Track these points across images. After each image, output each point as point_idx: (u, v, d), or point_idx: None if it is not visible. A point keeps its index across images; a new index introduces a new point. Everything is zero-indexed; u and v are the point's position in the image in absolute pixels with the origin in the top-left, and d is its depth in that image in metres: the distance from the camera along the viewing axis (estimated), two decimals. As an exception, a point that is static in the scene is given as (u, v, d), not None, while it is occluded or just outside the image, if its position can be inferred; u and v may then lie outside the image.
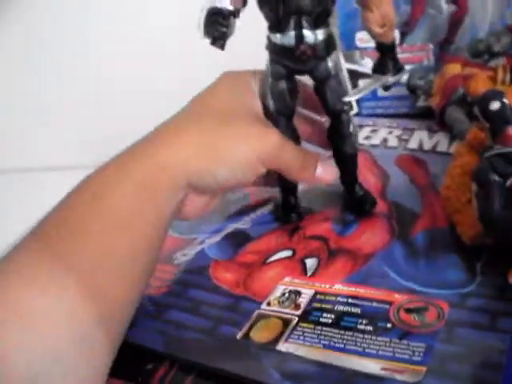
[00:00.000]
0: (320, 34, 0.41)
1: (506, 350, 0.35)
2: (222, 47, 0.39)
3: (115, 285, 0.35)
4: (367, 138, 0.67)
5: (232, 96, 0.42)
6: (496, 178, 0.36)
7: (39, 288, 0.33)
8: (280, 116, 0.44)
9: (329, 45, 0.42)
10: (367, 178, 0.56)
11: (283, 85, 0.43)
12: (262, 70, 0.44)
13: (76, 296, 0.33)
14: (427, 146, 0.63)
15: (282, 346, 0.37)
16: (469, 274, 0.42)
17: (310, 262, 0.45)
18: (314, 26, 0.40)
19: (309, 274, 0.44)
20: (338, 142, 0.47)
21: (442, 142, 0.63)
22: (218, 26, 0.38)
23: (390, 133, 0.67)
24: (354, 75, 0.74)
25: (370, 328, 0.38)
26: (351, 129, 0.47)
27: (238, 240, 0.50)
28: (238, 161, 0.39)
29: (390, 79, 0.43)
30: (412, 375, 0.34)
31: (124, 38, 0.89)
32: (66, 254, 0.34)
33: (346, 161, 0.49)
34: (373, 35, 0.41)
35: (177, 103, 0.42)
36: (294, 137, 0.45)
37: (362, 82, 0.65)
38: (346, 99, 0.44)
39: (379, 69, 0.43)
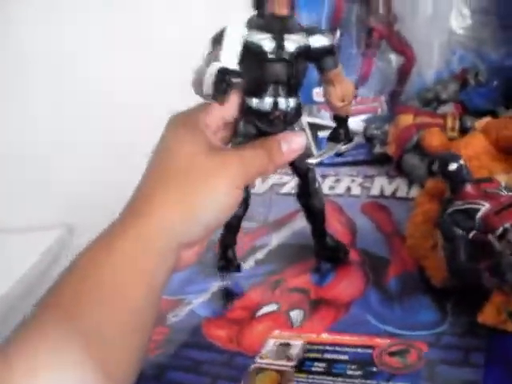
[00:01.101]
0: (292, 102, 0.45)
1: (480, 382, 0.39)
2: (223, 102, 0.42)
3: (119, 354, 0.37)
4: (331, 187, 0.71)
5: (184, 144, 0.42)
6: (460, 231, 0.40)
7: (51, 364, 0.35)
8: None
9: (298, 112, 0.46)
10: (336, 228, 0.60)
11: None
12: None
13: (87, 370, 0.35)
14: (388, 191, 0.68)
15: (282, 398, 0.40)
16: (440, 314, 0.46)
17: (295, 314, 0.49)
18: (288, 95, 0.44)
19: (295, 325, 0.48)
20: (307, 198, 0.52)
21: (401, 187, 0.68)
22: (225, 85, 0.41)
23: (353, 181, 0.72)
24: (314, 127, 0.80)
25: (358, 373, 0.41)
26: (317, 185, 0.52)
27: (225, 297, 0.53)
28: (217, 201, 0.40)
29: (342, 148, 0.47)
30: (402, 415, 0.37)
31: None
32: (68, 331, 0.36)
33: (316, 215, 0.53)
34: (332, 108, 0.46)
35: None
36: None
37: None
38: (309, 161, 0.48)
39: (333, 138, 0.47)
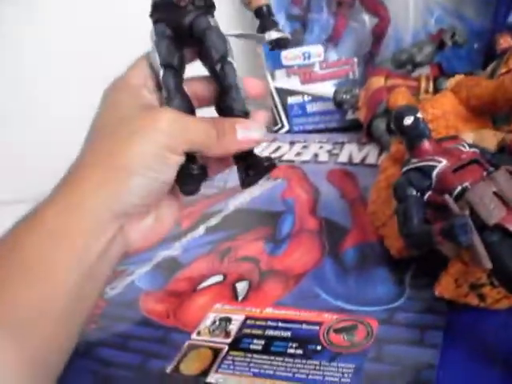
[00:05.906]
0: None
1: (436, 366, 0.35)
2: None
3: (43, 337, 0.33)
4: (298, 154, 0.67)
5: (113, 105, 0.38)
6: (413, 192, 0.36)
7: None
8: (169, 70, 0.39)
9: (209, 2, 0.40)
10: (299, 195, 0.56)
11: (168, 40, 0.39)
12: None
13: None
14: (357, 159, 0.64)
15: (212, 378, 0.36)
16: (398, 287, 0.42)
17: (241, 286, 0.45)
18: None
19: (240, 298, 0.44)
20: (226, 100, 0.40)
21: (370, 154, 0.64)
22: None
23: (321, 148, 0.68)
24: (283, 93, 0.75)
25: (300, 352, 0.37)
26: (238, 81, 0.40)
27: (169, 268, 0.49)
28: (144, 163, 0.35)
29: (272, 34, 0.40)
30: (342, 398, 0.33)
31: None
32: None
33: None
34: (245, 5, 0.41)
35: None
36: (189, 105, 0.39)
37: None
38: (227, 34, 0.40)
39: (260, 31, 0.41)
